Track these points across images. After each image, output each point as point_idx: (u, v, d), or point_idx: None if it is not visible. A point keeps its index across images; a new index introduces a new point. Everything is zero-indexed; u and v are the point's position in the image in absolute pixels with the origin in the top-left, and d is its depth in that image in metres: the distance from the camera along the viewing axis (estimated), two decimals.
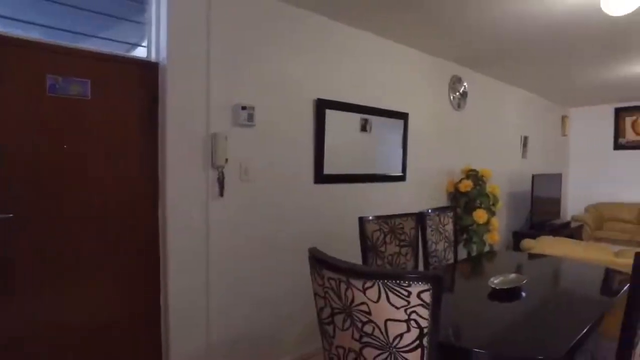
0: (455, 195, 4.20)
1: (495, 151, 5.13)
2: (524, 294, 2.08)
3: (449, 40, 3.55)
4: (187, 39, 2.35)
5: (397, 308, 1.19)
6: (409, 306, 1.17)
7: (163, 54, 2.30)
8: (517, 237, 5.16)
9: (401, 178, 3.71)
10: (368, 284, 1.22)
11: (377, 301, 1.21)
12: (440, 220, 2.83)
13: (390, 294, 1.19)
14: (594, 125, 6.97)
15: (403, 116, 3.68)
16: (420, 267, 2.73)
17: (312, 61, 2.98)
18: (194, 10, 2.37)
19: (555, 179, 5.81)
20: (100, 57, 2.14)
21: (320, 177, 3.04)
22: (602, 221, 6.54)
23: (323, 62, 3.06)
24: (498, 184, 5.09)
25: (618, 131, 6.68)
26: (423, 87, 3.97)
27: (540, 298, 2.08)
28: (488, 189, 4.20)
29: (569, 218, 6.62)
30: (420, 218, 2.67)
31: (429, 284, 1.14)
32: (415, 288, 1.15)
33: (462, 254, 4.33)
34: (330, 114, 3.08)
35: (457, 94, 4.38)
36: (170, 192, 2.31)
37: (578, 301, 2.09)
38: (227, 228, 2.56)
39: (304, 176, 2.95)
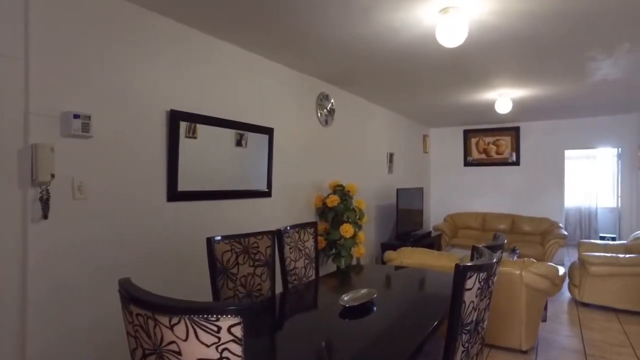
0: (324, 210, 4.28)
1: (363, 166, 5.41)
2: (375, 308, 2.13)
3: (312, 57, 3.63)
4: None
5: (208, 346, 1.06)
6: (219, 343, 1.05)
7: None
8: (385, 248, 5.47)
9: (266, 194, 3.64)
10: (174, 320, 1.07)
11: (186, 339, 1.07)
12: (300, 237, 2.80)
13: (199, 331, 1.06)
14: (449, 144, 7.84)
15: (268, 131, 3.63)
16: (279, 287, 2.65)
17: (167, 70, 2.76)
18: None
19: (418, 193, 6.35)
20: None
21: (174, 195, 2.80)
22: (456, 229, 7.33)
23: (180, 72, 2.85)
24: (366, 198, 5.36)
25: (466, 150, 7.61)
26: (290, 103, 3.99)
27: (390, 310, 2.15)
28: (355, 203, 4.37)
29: (431, 228, 7.30)
30: (277, 236, 2.60)
31: (239, 317, 1.04)
32: (225, 322, 1.04)
33: (332, 268, 4.43)
34: (189, 128, 2.88)
35: (325, 110, 4.51)
36: None
37: (423, 308, 2.21)
38: (54, 257, 2.17)
39: (154, 194, 2.68)
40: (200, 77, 3.01)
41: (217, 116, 3.13)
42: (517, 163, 7.22)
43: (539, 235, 6.74)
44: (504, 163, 7.32)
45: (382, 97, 5.30)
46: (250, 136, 3.46)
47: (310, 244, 2.89)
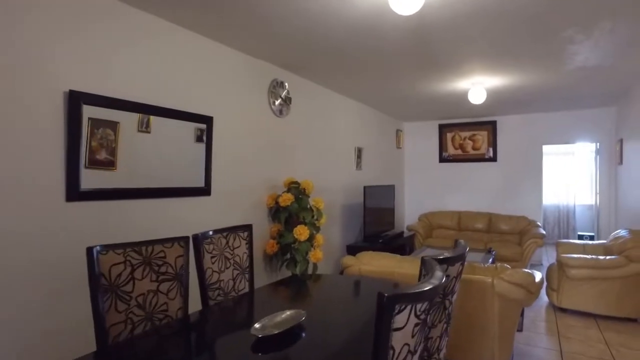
0: (277, 210, 3.82)
1: (327, 162, 4.96)
2: (303, 335, 1.68)
3: (260, 37, 3.16)
4: None
5: None
6: None
7: None
8: (351, 251, 5.04)
9: (204, 192, 3.16)
10: None
11: None
12: (227, 242, 2.33)
13: None
14: (423, 139, 7.47)
15: (206, 120, 3.15)
16: (197, 305, 2.18)
17: (74, 42, 2.25)
18: None
19: (388, 190, 5.94)
20: None
21: (76, 193, 2.30)
22: (431, 229, 6.95)
23: (92, 47, 2.35)
24: (330, 197, 4.93)
25: (442, 145, 7.24)
26: (235, 89, 3.51)
27: (323, 338, 1.70)
28: (312, 202, 3.92)
29: (405, 228, 6.90)
30: (194, 242, 2.13)
31: None
32: None
33: (284, 277, 3.97)
34: (108, 114, 2.39)
35: (279, 99, 4.05)
36: None
37: (359, 327, 1.77)
38: None
39: (48, 192, 2.17)
40: (120, 56, 2.51)
41: (140, 101, 2.64)
42: (494, 159, 6.89)
43: (516, 234, 6.41)
44: (481, 159, 6.98)
45: (345, 86, 4.86)
46: (183, 126, 2.98)
47: (242, 250, 2.43)
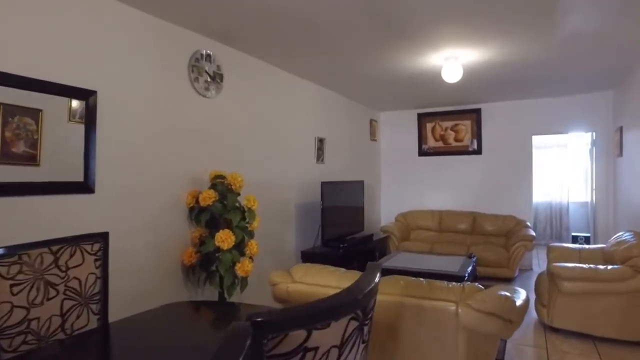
0: (200, 210, 3.06)
1: (277, 153, 4.20)
2: None
3: None
4: None
5: None
6: None
7: None
8: (306, 258, 4.29)
9: (84, 188, 2.39)
10: None
11: None
12: (56, 261, 1.57)
13: None
14: (401, 130, 6.72)
15: (84, 95, 2.38)
16: None
17: None
18: None
19: (356, 187, 5.19)
20: None
21: None
22: (409, 230, 6.22)
23: None
24: (282, 193, 4.17)
25: (421, 137, 6.51)
26: (138, 60, 2.74)
27: None
28: (244, 201, 3.16)
29: (379, 229, 6.15)
30: None
31: None
32: None
33: (212, 295, 3.21)
34: None
35: (206, 76, 3.28)
36: None
37: None
38: None
39: None
40: None
41: None
42: (478, 152, 6.15)
43: (503, 236, 5.69)
44: (464, 152, 6.24)
45: (298, 65, 4.09)
46: (49, 100, 2.22)
47: (86, 271, 1.66)
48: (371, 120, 6.49)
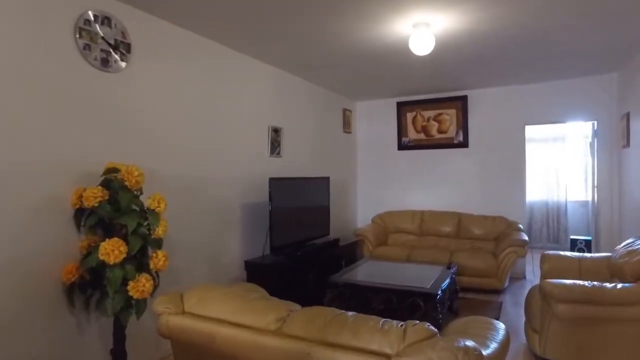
0: (90, 213, 2.35)
1: (215, 143, 3.50)
2: None
3: None
4: None
5: None
6: None
7: None
8: (251, 270, 3.58)
9: None
10: None
11: None
12: None
13: None
14: (379, 121, 6.02)
15: None
16: None
17: None
18: None
19: (320, 184, 4.48)
20: None
21: None
22: (386, 234, 5.51)
23: None
24: (222, 192, 3.46)
25: (401, 129, 5.80)
26: None
27: None
28: (147, 202, 2.45)
29: (353, 232, 5.44)
30: None
31: None
32: None
33: (107, 322, 2.51)
34: None
35: (103, 43, 2.57)
36: None
37: None
38: None
39: None
40: None
41: None
42: (464, 144, 5.45)
43: (492, 240, 4.99)
44: (449, 145, 5.54)
45: (239, 37, 3.38)
46: None
47: None
48: (344, 110, 5.78)
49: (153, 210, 2.46)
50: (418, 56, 3.80)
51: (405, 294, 2.97)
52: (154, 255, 2.46)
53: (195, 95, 3.30)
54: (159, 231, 2.47)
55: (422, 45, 3.06)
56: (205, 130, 3.40)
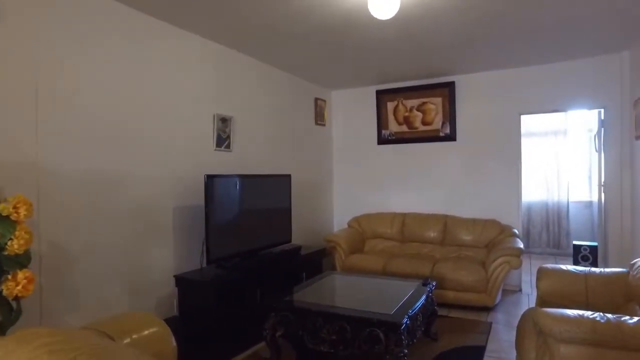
0: None
1: (136, 133, 2.84)
2: None
3: None
4: None
5: None
6: None
7: None
8: (183, 287, 2.92)
9: None
10: None
11: None
12: None
13: None
14: (356, 112, 5.35)
15: None
16: None
17: None
18: None
19: (280, 183, 3.82)
20: None
21: None
22: (363, 240, 4.85)
23: None
24: (148, 191, 2.80)
25: (381, 120, 5.13)
26: None
27: None
28: (1, 208, 1.80)
29: (323, 238, 4.76)
30: None
31: None
32: None
33: None
34: None
35: None
36: None
37: None
38: None
39: None
40: None
41: None
42: (452, 137, 4.78)
43: (482, 248, 4.33)
44: (434, 138, 4.87)
45: (170, 5, 2.72)
46: None
47: None
48: (317, 100, 5.11)
49: (7, 217, 1.82)
50: (385, 25, 3.13)
51: (361, 322, 2.31)
52: (13, 277, 1.82)
53: (113, 72, 2.64)
54: (13, 245, 1.81)
55: (383, 4, 2.39)
56: (127, 116, 2.75)
